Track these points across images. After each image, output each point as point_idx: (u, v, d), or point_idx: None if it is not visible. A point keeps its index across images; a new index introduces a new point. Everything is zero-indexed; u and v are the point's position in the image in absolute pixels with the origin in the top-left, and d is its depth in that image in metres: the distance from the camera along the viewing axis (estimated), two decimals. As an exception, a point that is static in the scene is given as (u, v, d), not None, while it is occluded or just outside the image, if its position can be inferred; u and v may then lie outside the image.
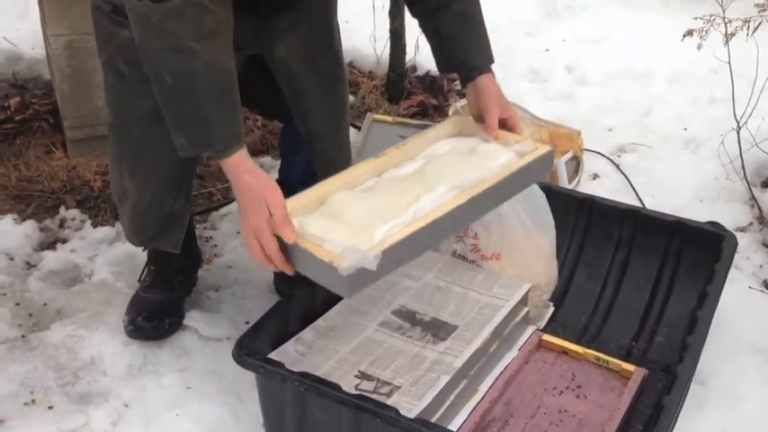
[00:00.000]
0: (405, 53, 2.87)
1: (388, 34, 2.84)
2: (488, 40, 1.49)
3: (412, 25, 2.96)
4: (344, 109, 1.73)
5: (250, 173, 1.22)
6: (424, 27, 1.51)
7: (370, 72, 3.06)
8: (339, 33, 1.67)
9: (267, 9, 1.46)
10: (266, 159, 2.50)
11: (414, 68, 3.04)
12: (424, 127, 2.63)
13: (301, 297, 1.53)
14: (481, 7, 1.50)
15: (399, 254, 1.20)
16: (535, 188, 1.65)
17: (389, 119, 2.59)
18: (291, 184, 1.54)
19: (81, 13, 2.15)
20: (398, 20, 2.82)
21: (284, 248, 1.20)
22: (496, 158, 1.39)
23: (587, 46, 3.30)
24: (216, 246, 2.07)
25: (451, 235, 1.58)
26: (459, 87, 2.98)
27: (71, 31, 2.23)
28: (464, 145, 1.47)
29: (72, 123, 2.33)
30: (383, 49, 2.93)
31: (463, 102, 2.48)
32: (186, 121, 1.21)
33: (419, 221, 1.23)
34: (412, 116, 2.76)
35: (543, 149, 1.42)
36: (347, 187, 1.37)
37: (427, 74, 3.03)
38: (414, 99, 2.87)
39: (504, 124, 1.47)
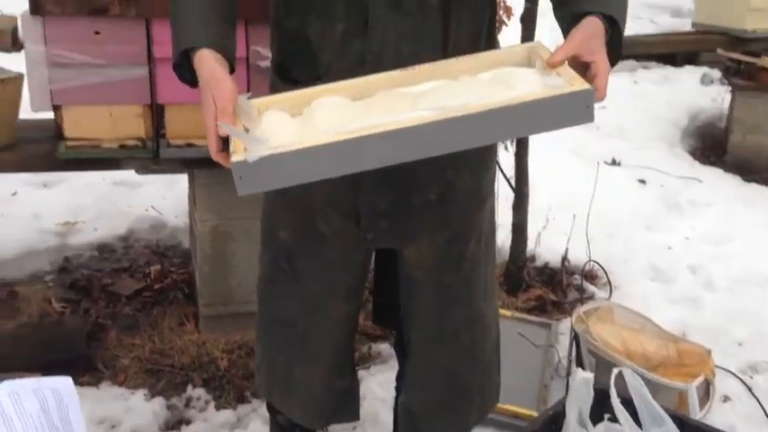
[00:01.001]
0: (526, 246, 2.91)
1: (510, 225, 2.90)
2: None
3: (534, 219, 3.06)
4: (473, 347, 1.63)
5: (208, 68, 1.22)
6: (553, 4, 1.37)
7: (490, 259, 3.10)
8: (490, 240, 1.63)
9: (402, 179, 1.45)
10: (384, 346, 2.53)
11: (533, 258, 3.07)
12: (544, 325, 2.65)
13: None
14: None
15: (308, 163, 1.10)
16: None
17: (509, 313, 2.60)
18: None
19: (228, 201, 2.32)
20: (521, 213, 2.88)
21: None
22: (515, 87, 1.19)
23: (712, 246, 3.24)
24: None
25: (415, 157, 1.19)
26: (578, 282, 2.97)
27: (218, 216, 2.39)
28: (509, 73, 1.27)
29: (207, 302, 2.46)
30: (504, 240, 2.99)
31: (586, 306, 2.47)
32: (173, 30, 1.29)
33: (345, 134, 1.12)
34: (530, 310, 2.76)
35: (575, 87, 1.16)
36: (346, 94, 1.26)
37: (546, 265, 3.04)
38: (532, 292, 2.88)
39: (585, 68, 1.23)
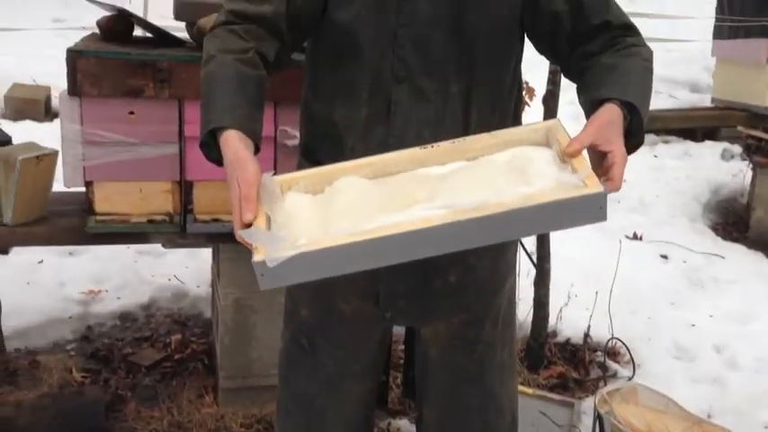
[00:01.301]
0: (547, 322, 2.90)
1: (531, 300, 2.89)
2: (633, 82, 1.31)
3: (555, 294, 3.05)
4: None
5: (233, 150, 1.24)
6: (577, 89, 1.41)
7: (510, 335, 3.08)
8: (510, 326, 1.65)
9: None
10: (404, 422, 2.51)
11: (554, 334, 3.05)
12: (566, 404, 2.61)
13: None
14: (642, 60, 1.36)
15: (321, 261, 1.14)
16: None
17: (530, 391, 2.56)
18: None
19: (251, 275, 2.31)
20: (542, 289, 2.88)
21: None
22: (531, 182, 1.19)
23: (737, 324, 3.21)
24: None
25: (428, 255, 1.22)
26: (600, 359, 2.94)
27: (240, 290, 2.41)
28: (526, 160, 1.27)
29: (227, 374, 2.46)
30: (526, 315, 2.98)
31: (610, 387, 2.44)
32: (202, 111, 1.32)
33: (364, 234, 1.14)
34: (552, 388, 2.72)
35: (588, 190, 1.15)
36: (367, 173, 1.28)
37: (568, 342, 3.02)
38: (554, 369, 2.85)
39: (602, 157, 1.23)
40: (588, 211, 1.15)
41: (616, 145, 1.20)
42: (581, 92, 1.37)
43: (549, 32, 1.42)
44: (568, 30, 1.40)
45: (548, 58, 1.55)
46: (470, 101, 1.41)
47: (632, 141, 1.28)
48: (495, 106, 1.45)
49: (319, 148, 1.48)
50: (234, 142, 1.25)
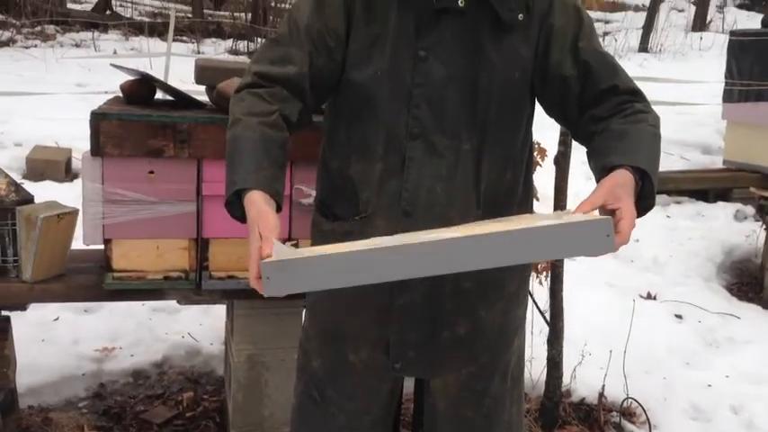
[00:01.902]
0: (561, 381, 2.87)
1: (545, 359, 2.87)
2: (643, 148, 1.35)
3: (569, 353, 3.03)
4: None
5: (256, 208, 1.30)
6: (587, 154, 1.45)
7: (525, 394, 3.05)
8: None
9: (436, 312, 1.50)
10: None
11: (569, 393, 3.02)
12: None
13: None
14: (650, 126, 1.41)
15: (326, 268, 1.16)
16: None
17: (544, 452, 2.54)
18: None
19: (265, 331, 2.37)
20: (556, 347, 2.87)
21: None
22: (534, 221, 1.23)
23: (753, 385, 3.16)
24: None
25: (434, 273, 1.21)
26: (616, 419, 2.90)
27: (254, 346, 2.42)
28: (535, 218, 1.31)
29: (239, 431, 2.45)
30: (540, 374, 2.96)
31: (625, 448, 2.41)
32: (228, 171, 1.38)
33: (369, 244, 1.17)
34: (567, 450, 2.69)
35: (596, 217, 1.20)
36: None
37: (582, 401, 2.99)
38: (569, 430, 2.81)
39: (612, 214, 1.25)
40: (594, 238, 1.17)
41: (624, 202, 1.24)
42: (591, 158, 1.41)
43: (559, 96, 1.47)
44: (577, 93, 1.45)
45: (557, 121, 1.60)
46: (482, 158, 1.46)
47: (644, 205, 1.32)
48: (507, 164, 1.50)
49: (335, 203, 1.53)
50: (258, 202, 1.31)
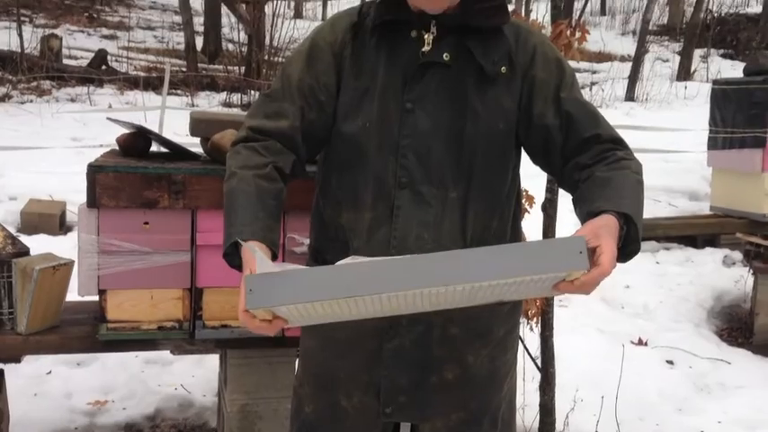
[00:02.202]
0: (554, 428, 2.88)
1: (537, 405, 2.88)
2: (627, 195, 1.38)
3: (561, 399, 3.04)
4: None
5: (251, 256, 1.30)
6: (573, 201, 1.48)
7: (518, 443, 3.05)
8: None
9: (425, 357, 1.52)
10: None
11: (562, 440, 3.02)
12: None
13: None
14: (633, 173, 1.44)
15: (314, 282, 1.17)
16: None
17: (538, 500, 2.53)
18: None
19: (258, 381, 2.38)
20: (548, 394, 2.88)
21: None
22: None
23: (746, 430, 3.17)
24: None
25: (415, 288, 1.21)
26: (610, 467, 2.90)
27: (247, 396, 2.43)
28: None
29: (232, 483, 2.44)
30: (533, 421, 2.96)
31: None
32: (225, 223, 1.43)
33: (353, 261, 1.18)
34: (561, 498, 2.68)
35: (568, 237, 1.22)
36: None
37: (576, 449, 2.98)
38: (563, 478, 2.80)
39: (593, 252, 1.27)
40: (568, 255, 1.19)
41: (605, 240, 1.27)
42: (577, 205, 1.45)
43: (542, 145, 1.53)
44: (560, 142, 1.51)
45: (543, 170, 1.65)
46: (468, 206, 1.50)
47: (628, 249, 1.36)
48: (494, 212, 1.54)
49: (328, 250, 1.57)
50: (254, 251, 1.34)
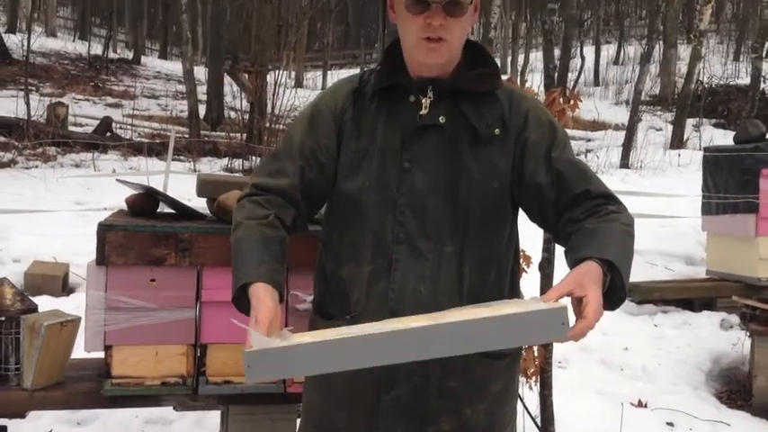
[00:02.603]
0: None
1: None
2: (613, 243, 1.43)
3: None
4: None
5: (257, 297, 1.42)
6: (564, 253, 1.52)
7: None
8: None
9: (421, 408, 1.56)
10: None
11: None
12: None
13: None
14: (622, 224, 1.49)
15: (311, 355, 1.26)
16: None
17: None
18: None
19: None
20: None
21: None
22: (498, 310, 1.29)
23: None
24: None
25: (402, 360, 1.29)
26: None
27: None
28: (502, 305, 1.37)
29: None
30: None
31: None
32: (234, 271, 1.52)
33: (347, 332, 1.26)
34: None
35: (551, 305, 1.26)
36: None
37: None
38: None
39: (580, 302, 1.33)
40: (549, 326, 1.25)
41: (590, 290, 1.33)
42: (567, 255, 1.52)
43: (536, 202, 1.60)
44: (552, 199, 1.58)
45: (539, 225, 1.72)
46: (464, 260, 1.57)
47: (614, 297, 1.41)
48: (490, 266, 1.60)
49: (330, 303, 1.63)
50: (259, 292, 1.44)
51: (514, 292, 1.70)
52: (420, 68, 1.59)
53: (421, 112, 1.58)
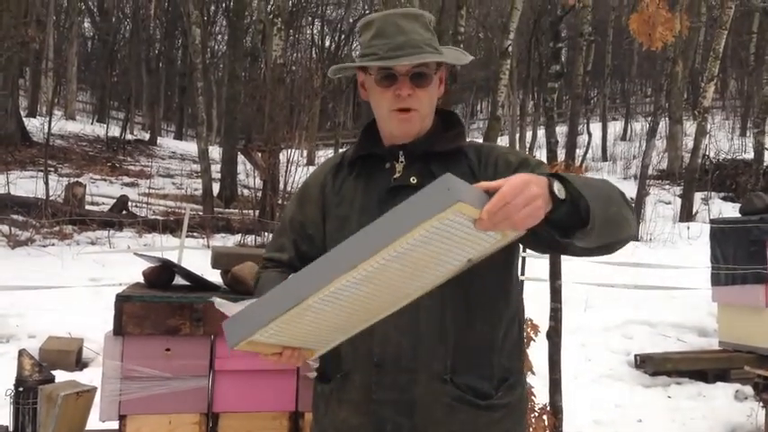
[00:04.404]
0: None
1: None
2: (571, 178, 1.42)
3: None
4: None
5: None
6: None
7: None
8: None
9: None
10: None
11: None
12: None
13: None
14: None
15: (265, 305, 1.35)
16: None
17: None
18: None
19: None
20: None
21: None
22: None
23: None
24: None
25: (337, 275, 1.32)
26: None
27: None
28: None
29: None
30: None
31: None
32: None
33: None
34: None
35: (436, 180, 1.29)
36: None
37: None
38: None
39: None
40: (438, 195, 1.27)
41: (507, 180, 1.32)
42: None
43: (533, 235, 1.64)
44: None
45: (539, 251, 1.71)
46: (445, 311, 1.62)
47: (562, 210, 1.38)
48: (475, 316, 1.64)
49: (327, 365, 1.76)
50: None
51: (517, 351, 1.74)
52: (392, 138, 1.73)
53: (395, 176, 1.71)
